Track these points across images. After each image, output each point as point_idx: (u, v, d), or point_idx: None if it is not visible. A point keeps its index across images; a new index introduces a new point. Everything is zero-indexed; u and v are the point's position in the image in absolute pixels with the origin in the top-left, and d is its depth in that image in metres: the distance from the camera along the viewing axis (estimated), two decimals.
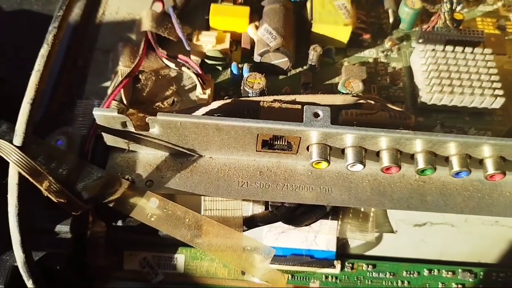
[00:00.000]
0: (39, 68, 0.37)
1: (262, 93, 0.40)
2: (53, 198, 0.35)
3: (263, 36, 0.42)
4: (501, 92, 0.41)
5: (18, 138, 0.35)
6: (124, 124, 0.37)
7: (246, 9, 0.44)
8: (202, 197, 0.40)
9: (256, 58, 0.42)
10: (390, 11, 0.46)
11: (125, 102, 0.41)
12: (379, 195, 0.39)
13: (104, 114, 0.37)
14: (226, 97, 0.42)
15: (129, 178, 0.40)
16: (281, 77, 0.44)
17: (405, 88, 0.44)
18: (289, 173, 0.40)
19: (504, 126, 0.42)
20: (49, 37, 0.37)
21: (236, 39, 0.44)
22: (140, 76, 0.43)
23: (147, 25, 0.45)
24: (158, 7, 0.47)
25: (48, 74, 0.37)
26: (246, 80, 0.40)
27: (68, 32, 0.47)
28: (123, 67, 0.43)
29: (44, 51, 0.37)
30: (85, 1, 0.49)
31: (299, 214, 0.41)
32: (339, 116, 0.40)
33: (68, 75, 0.45)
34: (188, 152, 0.40)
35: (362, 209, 0.42)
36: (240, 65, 0.43)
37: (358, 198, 0.39)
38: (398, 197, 0.39)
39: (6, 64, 0.46)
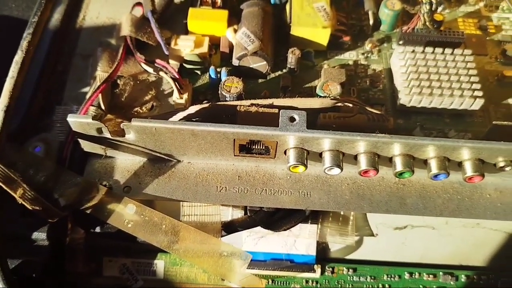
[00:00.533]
0: (13, 75, 0.37)
1: (239, 97, 0.40)
2: (27, 206, 0.35)
3: (241, 40, 0.42)
4: (480, 93, 0.40)
5: None
6: (99, 130, 0.37)
7: (224, 13, 0.43)
8: (181, 202, 0.40)
9: (235, 62, 0.42)
10: (370, 13, 0.46)
11: (103, 107, 0.41)
12: (358, 199, 0.39)
13: (79, 121, 0.36)
14: (204, 102, 0.42)
15: (107, 184, 0.39)
16: (260, 80, 0.44)
17: (385, 90, 0.43)
18: (268, 177, 0.40)
19: (484, 127, 0.42)
20: (23, 44, 0.38)
21: (215, 42, 0.44)
22: (118, 81, 0.43)
23: (126, 30, 0.44)
24: (138, 12, 0.47)
25: (22, 81, 0.37)
26: (224, 84, 0.40)
27: (48, 37, 0.47)
28: (102, 72, 0.43)
29: (18, 57, 0.37)
30: (65, 6, 0.49)
31: (278, 219, 0.40)
32: (317, 119, 0.40)
33: (47, 80, 0.45)
34: (166, 158, 0.40)
35: (342, 213, 0.42)
36: (218, 69, 0.43)
37: (337, 202, 0.39)
38: (378, 200, 0.39)
39: None
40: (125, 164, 0.41)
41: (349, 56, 0.45)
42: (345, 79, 0.42)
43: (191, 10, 0.44)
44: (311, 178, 0.40)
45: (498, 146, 0.36)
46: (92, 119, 0.39)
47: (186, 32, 0.45)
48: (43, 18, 0.38)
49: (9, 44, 0.42)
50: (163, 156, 0.40)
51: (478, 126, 0.42)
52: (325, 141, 0.36)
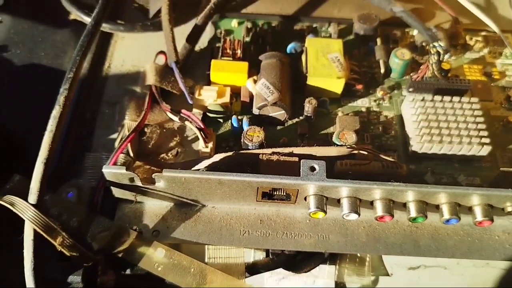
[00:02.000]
0: (51, 129, 0.39)
1: (261, 145, 0.42)
2: (66, 252, 0.38)
3: (261, 91, 0.45)
4: (487, 140, 0.43)
5: (33, 197, 0.37)
6: (131, 179, 0.40)
7: (244, 65, 0.46)
8: (206, 245, 0.42)
9: (255, 111, 0.45)
10: (381, 62, 0.49)
11: (131, 154, 0.44)
12: (374, 241, 0.42)
13: (113, 172, 0.39)
14: (227, 148, 0.44)
15: (137, 228, 0.42)
16: (279, 127, 0.46)
17: (397, 136, 0.46)
18: (288, 221, 0.42)
19: (492, 172, 0.44)
20: (61, 99, 0.40)
21: (236, 91, 0.47)
22: (145, 129, 0.46)
23: (151, 79, 0.47)
24: (161, 60, 0.50)
25: (60, 134, 0.40)
26: (246, 133, 0.43)
27: (77, 87, 0.49)
28: (129, 121, 0.46)
29: (56, 112, 0.40)
30: (92, 55, 0.52)
31: (299, 261, 0.43)
32: (334, 166, 0.42)
33: (76, 128, 0.47)
34: (192, 203, 0.43)
35: (359, 254, 0.44)
36: (240, 117, 0.46)
37: (354, 245, 0.41)
38: (392, 243, 0.41)
39: (16, 117, 0.49)
40: (153, 209, 0.43)
41: (362, 103, 0.48)
42: (359, 127, 0.45)
43: (213, 62, 0.46)
44: (329, 222, 0.42)
45: (506, 194, 0.39)
46: (123, 167, 0.42)
47: (207, 80, 0.47)
48: (78, 73, 0.41)
49: (39, 92, 0.44)
50: (189, 201, 0.42)
51: (486, 171, 0.44)
52: (343, 189, 0.39)
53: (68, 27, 0.54)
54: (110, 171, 0.39)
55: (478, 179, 0.44)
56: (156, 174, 0.39)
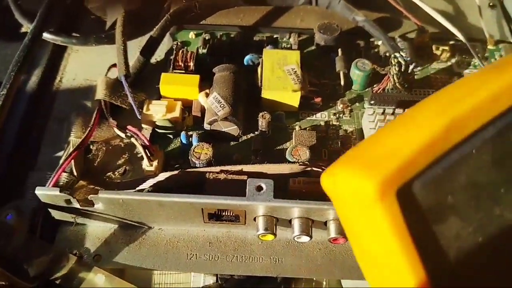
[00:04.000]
0: None
1: (209, 163, 0.40)
2: None
3: (212, 105, 0.42)
4: None
5: None
6: (68, 201, 0.37)
7: (195, 78, 0.44)
8: (152, 270, 0.40)
9: (206, 126, 0.43)
10: (341, 73, 0.47)
11: (75, 173, 0.41)
12: (330, 264, 0.39)
13: (47, 193, 0.37)
14: (176, 166, 0.42)
15: (77, 253, 0.39)
16: (232, 143, 0.44)
17: None
18: (239, 243, 0.40)
19: None
20: None
21: (188, 105, 0.45)
22: (91, 146, 0.43)
23: (100, 93, 0.45)
24: (114, 73, 0.47)
25: None
26: (193, 150, 0.40)
27: (24, 101, 0.47)
28: (75, 138, 0.43)
29: None
30: (43, 68, 0.50)
31: (250, 286, 0.40)
32: (288, 184, 0.40)
33: (21, 146, 0.45)
34: (137, 224, 0.40)
35: (314, 278, 0.41)
36: (190, 132, 0.43)
37: (309, 268, 0.39)
38: (350, 266, 0.39)
39: None
40: (96, 231, 0.41)
41: (321, 117, 0.45)
42: (315, 142, 0.42)
43: (163, 76, 0.44)
44: (283, 244, 0.40)
45: None
46: (64, 186, 0.40)
47: (158, 94, 0.45)
48: (12, 90, 0.39)
49: None
50: (134, 223, 0.40)
51: None
52: (294, 209, 0.37)
53: (20, 41, 0.52)
54: (44, 193, 0.37)
55: None
56: (92, 196, 0.37)
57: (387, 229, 0.25)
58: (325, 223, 0.38)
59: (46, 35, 0.50)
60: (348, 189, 0.26)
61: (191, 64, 0.46)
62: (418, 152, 0.25)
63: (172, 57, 0.46)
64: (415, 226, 0.25)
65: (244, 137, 0.44)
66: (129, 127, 0.42)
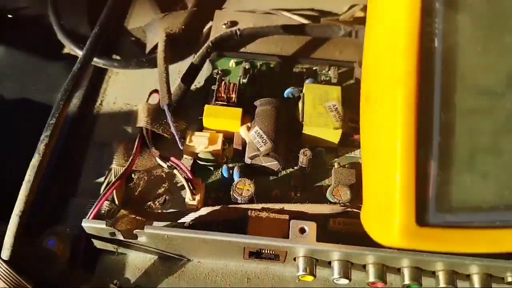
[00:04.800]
0: (29, 179, 0.38)
1: (251, 200, 0.41)
2: None
3: (254, 140, 0.43)
4: None
5: (6, 252, 0.36)
6: (112, 233, 0.38)
7: (238, 111, 0.44)
8: None
9: (247, 160, 0.43)
10: None
11: (116, 202, 0.42)
12: None
13: (93, 226, 0.37)
14: (216, 198, 0.43)
15: (117, 283, 0.40)
16: (272, 178, 0.44)
17: None
18: (277, 281, 0.41)
19: None
20: (41, 147, 0.39)
21: (229, 136, 0.45)
22: (133, 175, 0.44)
23: (142, 121, 0.45)
24: (155, 99, 0.48)
25: (38, 184, 0.38)
26: (236, 186, 0.41)
27: (66, 124, 0.48)
28: (116, 166, 0.44)
29: (35, 161, 0.38)
30: (83, 91, 0.50)
31: None
32: (328, 224, 0.40)
33: (63, 170, 0.46)
34: (177, 257, 0.41)
35: None
36: (231, 165, 0.44)
37: None
38: None
39: (3, 155, 0.47)
40: (136, 261, 0.41)
41: (360, 154, 0.46)
42: (355, 181, 0.43)
43: (206, 108, 0.45)
44: (320, 283, 0.40)
45: (507, 265, 0.36)
46: (105, 215, 0.41)
47: (201, 123, 0.45)
48: (61, 119, 0.39)
49: (29, 128, 0.43)
50: (174, 255, 0.41)
51: None
52: (334, 253, 0.37)
53: (62, 61, 0.53)
54: (90, 225, 0.37)
55: None
56: (137, 230, 0.37)
57: None
58: (364, 266, 0.38)
59: None
60: None
61: (234, 96, 0.46)
62: None
63: (214, 88, 0.47)
64: None
65: (284, 172, 0.44)
66: (172, 158, 0.43)
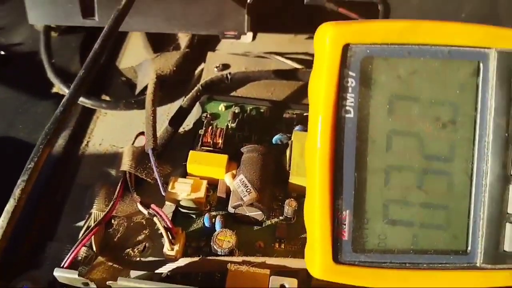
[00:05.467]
0: (2, 225, 0.36)
1: (231, 252, 0.39)
2: None
3: (238, 188, 0.42)
4: None
5: None
6: (86, 284, 0.37)
7: (223, 158, 0.43)
8: None
9: (230, 209, 0.42)
10: None
11: (94, 248, 0.40)
12: None
13: (65, 276, 0.36)
14: (197, 248, 0.41)
15: None
16: (256, 227, 0.43)
17: None
18: None
19: None
20: (16, 192, 0.37)
21: (214, 183, 0.44)
22: (113, 220, 0.43)
23: (126, 164, 0.44)
24: (141, 141, 0.47)
25: (11, 230, 0.37)
26: (216, 237, 0.39)
27: (50, 165, 0.47)
28: (97, 211, 0.43)
29: (9, 206, 0.37)
30: (70, 131, 0.50)
31: None
32: (311, 278, 0.39)
33: (43, 213, 0.45)
34: None
35: None
36: (214, 213, 0.42)
37: None
38: None
39: None
40: None
41: None
42: None
43: (191, 154, 0.44)
44: None
45: None
46: (82, 261, 0.39)
47: (184, 171, 0.44)
48: (40, 164, 0.38)
49: (13, 166, 0.42)
50: None
51: None
52: None
53: (50, 99, 0.52)
54: (62, 275, 0.36)
55: None
56: (110, 282, 0.36)
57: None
58: None
59: None
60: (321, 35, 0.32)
61: (220, 141, 0.45)
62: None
63: (201, 132, 0.46)
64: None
65: (268, 222, 0.43)
66: (152, 206, 0.41)
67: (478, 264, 0.33)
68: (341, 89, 0.32)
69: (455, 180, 0.33)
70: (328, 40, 0.31)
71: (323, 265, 0.33)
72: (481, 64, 0.32)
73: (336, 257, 0.33)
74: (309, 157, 0.34)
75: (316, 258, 0.34)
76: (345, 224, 0.33)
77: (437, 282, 0.33)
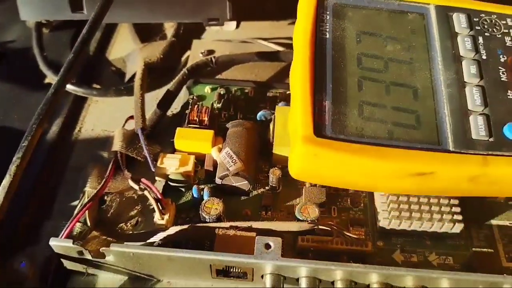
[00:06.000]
0: None
1: (219, 219, 0.41)
2: None
3: (224, 160, 0.43)
4: (460, 217, 0.41)
5: None
6: (80, 252, 0.38)
7: (209, 133, 0.45)
8: None
9: (217, 180, 0.43)
10: None
11: (89, 224, 0.42)
12: None
13: (60, 244, 0.38)
14: (187, 219, 0.43)
15: None
16: (243, 198, 0.44)
17: (365, 210, 0.44)
18: None
19: (467, 250, 0.42)
20: (12, 168, 0.39)
21: (201, 159, 0.46)
22: (106, 197, 0.44)
23: (117, 145, 0.46)
24: (131, 125, 0.49)
25: (8, 205, 0.39)
26: (204, 205, 0.41)
27: (44, 150, 0.49)
28: (90, 189, 0.44)
29: (5, 182, 0.39)
30: (63, 118, 0.52)
31: None
32: (296, 241, 0.40)
33: (38, 194, 0.46)
34: (147, 277, 0.41)
35: None
36: (201, 186, 0.44)
37: None
38: None
39: None
40: (106, 282, 0.41)
41: None
42: (325, 199, 0.43)
43: (178, 130, 0.45)
44: None
45: (475, 278, 0.36)
46: (77, 236, 0.41)
47: (173, 148, 0.46)
48: (33, 142, 0.40)
49: (10, 153, 0.44)
50: (143, 275, 0.40)
51: (460, 249, 0.41)
52: (302, 269, 0.37)
53: (43, 90, 0.54)
54: (57, 244, 0.38)
55: (451, 258, 0.41)
56: (103, 248, 0.37)
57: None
58: (333, 283, 0.38)
59: (68, 86, 0.52)
60: None
61: (206, 119, 0.47)
62: None
63: (187, 111, 0.48)
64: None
65: (255, 192, 0.45)
66: (142, 180, 0.43)
67: (450, 149, 0.37)
68: (319, 20, 0.42)
69: (419, 89, 0.40)
70: None
71: (306, 140, 0.37)
72: (425, 14, 0.44)
73: (319, 132, 0.37)
74: (293, 73, 0.41)
75: (299, 135, 0.37)
76: (325, 112, 0.38)
77: (413, 160, 0.37)
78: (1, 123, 0.52)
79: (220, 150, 0.45)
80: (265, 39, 0.58)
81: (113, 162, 0.46)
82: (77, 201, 0.45)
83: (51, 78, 0.54)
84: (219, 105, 0.50)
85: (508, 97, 0.39)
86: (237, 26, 0.60)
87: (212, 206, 0.41)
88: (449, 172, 0.37)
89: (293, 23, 0.52)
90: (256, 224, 0.40)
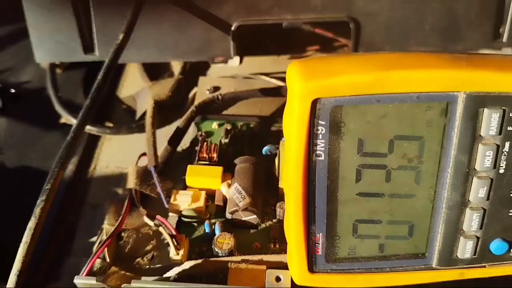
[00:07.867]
0: (26, 241, 0.41)
1: (231, 253, 0.43)
2: None
3: (234, 196, 0.46)
4: None
5: None
6: None
7: (219, 170, 0.48)
8: None
9: (228, 215, 0.46)
10: None
11: (108, 260, 0.45)
12: None
13: (84, 282, 0.40)
14: (200, 253, 0.46)
15: None
16: (252, 230, 0.47)
17: None
18: None
19: None
20: (37, 210, 0.42)
21: (212, 194, 0.49)
22: (123, 233, 0.47)
23: (131, 182, 0.49)
24: (144, 161, 0.52)
25: (34, 246, 0.41)
26: (216, 240, 0.44)
27: (62, 188, 0.52)
28: (108, 226, 0.47)
29: (31, 224, 0.41)
30: (79, 157, 0.55)
31: None
32: None
33: (58, 231, 0.49)
34: None
35: None
36: (213, 221, 0.47)
37: None
38: None
39: (4, 220, 0.50)
40: None
41: None
42: None
43: (189, 168, 0.48)
44: None
45: None
46: (98, 272, 0.44)
47: (184, 184, 0.49)
48: (56, 185, 0.43)
49: (28, 193, 0.46)
50: None
51: None
52: None
53: (58, 130, 0.57)
54: (81, 281, 0.40)
55: None
56: (125, 285, 0.40)
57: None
58: None
59: None
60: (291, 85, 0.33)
61: (215, 155, 0.50)
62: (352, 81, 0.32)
63: (197, 149, 0.51)
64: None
65: (263, 225, 0.47)
66: (157, 216, 0.46)
67: (433, 266, 0.38)
68: (312, 136, 0.33)
69: (419, 203, 0.36)
70: (297, 97, 0.32)
71: (301, 275, 0.38)
72: (449, 105, 0.33)
73: (312, 269, 0.38)
74: (285, 186, 0.37)
75: (295, 269, 0.38)
76: (318, 244, 0.37)
77: (398, 281, 0.38)
78: (19, 163, 0.55)
79: (229, 185, 0.48)
80: (266, 74, 0.61)
81: (129, 199, 0.48)
82: (95, 237, 0.48)
83: (66, 118, 0.57)
84: (227, 140, 0.53)
85: (509, 214, 0.36)
86: (240, 62, 0.63)
87: (224, 241, 0.44)
88: (426, 281, 0.39)
89: (293, 57, 0.55)
90: (266, 257, 0.43)
